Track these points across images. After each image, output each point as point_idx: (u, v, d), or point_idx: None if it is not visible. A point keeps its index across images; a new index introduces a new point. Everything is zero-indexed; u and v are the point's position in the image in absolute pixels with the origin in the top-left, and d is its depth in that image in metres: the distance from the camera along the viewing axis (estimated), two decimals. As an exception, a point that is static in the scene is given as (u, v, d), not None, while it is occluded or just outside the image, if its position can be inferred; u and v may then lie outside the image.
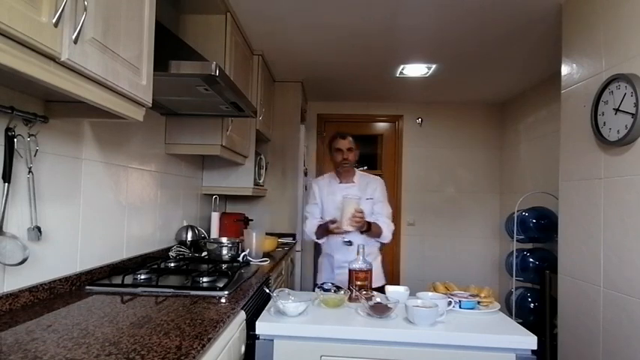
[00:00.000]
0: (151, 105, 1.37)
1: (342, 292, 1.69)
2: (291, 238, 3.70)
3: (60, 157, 1.46)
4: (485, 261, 4.61)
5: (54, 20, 0.87)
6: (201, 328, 1.15)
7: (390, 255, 4.78)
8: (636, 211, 1.73)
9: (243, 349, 1.43)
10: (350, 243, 2.31)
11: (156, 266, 1.89)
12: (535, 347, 1.35)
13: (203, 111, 2.23)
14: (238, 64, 2.66)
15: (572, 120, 2.19)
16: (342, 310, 1.60)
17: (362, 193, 2.37)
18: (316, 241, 2.47)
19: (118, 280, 1.62)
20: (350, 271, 1.78)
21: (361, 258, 1.78)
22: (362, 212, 2.17)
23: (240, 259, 2.28)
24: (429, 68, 3.53)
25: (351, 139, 2.41)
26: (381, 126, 4.89)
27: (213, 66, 1.57)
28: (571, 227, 2.21)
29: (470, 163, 4.73)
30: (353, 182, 2.45)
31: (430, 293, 1.73)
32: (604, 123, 1.92)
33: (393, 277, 4.65)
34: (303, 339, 1.43)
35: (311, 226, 2.43)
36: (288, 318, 1.48)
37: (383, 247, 2.56)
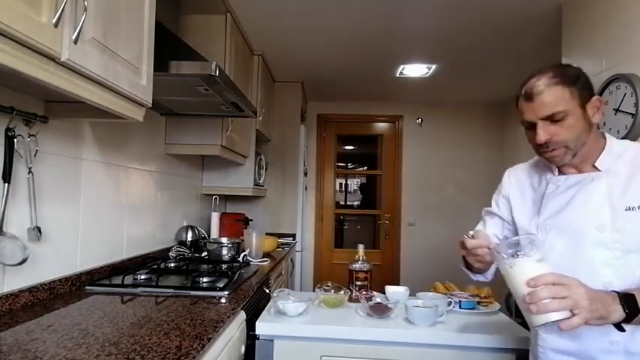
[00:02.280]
0: (150, 105, 1.37)
1: (342, 292, 1.69)
2: (291, 239, 3.70)
3: (60, 157, 1.46)
4: (485, 261, 4.61)
5: (54, 20, 0.87)
6: (201, 328, 1.15)
7: (390, 255, 4.78)
8: (636, 211, 1.72)
9: (243, 349, 1.43)
10: (621, 329, 0.93)
11: (156, 266, 1.89)
12: (535, 347, 1.34)
13: (203, 111, 2.23)
14: (238, 64, 2.66)
15: (572, 120, 2.19)
16: (342, 310, 1.60)
17: (619, 196, 1.03)
18: (474, 277, 1.30)
19: (118, 280, 1.61)
20: (350, 271, 1.78)
21: (361, 258, 1.78)
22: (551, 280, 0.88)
23: (240, 259, 2.28)
24: (429, 68, 3.53)
25: (552, 92, 1.01)
26: (381, 126, 4.89)
27: (213, 66, 1.57)
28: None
29: (470, 163, 4.73)
30: (594, 170, 1.07)
31: (430, 293, 1.73)
32: (604, 123, 1.92)
33: (393, 277, 4.65)
34: (303, 339, 1.43)
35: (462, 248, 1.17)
36: (288, 318, 1.48)
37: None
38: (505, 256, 0.92)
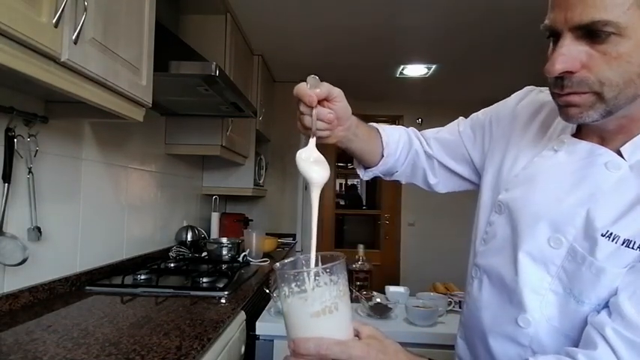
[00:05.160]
0: (150, 105, 1.37)
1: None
2: (291, 239, 3.70)
3: (60, 157, 1.46)
4: (485, 261, 4.61)
5: (54, 20, 0.86)
6: (201, 328, 1.15)
7: (390, 255, 4.78)
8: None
9: (243, 349, 1.43)
10: None
11: (156, 266, 1.89)
12: (535, 347, 1.34)
13: (203, 111, 2.23)
14: (238, 64, 2.66)
15: (572, 120, 2.19)
16: (342, 311, 1.60)
17: (611, 212, 0.61)
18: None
19: (117, 280, 1.61)
20: (350, 271, 1.78)
21: (361, 258, 1.79)
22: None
23: (240, 259, 2.28)
24: (429, 68, 3.53)
25: None
26: (381, 126, 4.89)
27: (213, 66, 1.57)
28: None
29: (470, 163, 4.73)
30: (617, 156, 0.63)
31: (430, 293, 1.73)
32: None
33: (393, 277, 4.65)
34: (303, 339, 1.43)
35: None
36: (288, 318, 1.48)
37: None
38: (284, 285, 0.57)
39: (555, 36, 0.59)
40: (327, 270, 0.57)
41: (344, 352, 0.55)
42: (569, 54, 0.57)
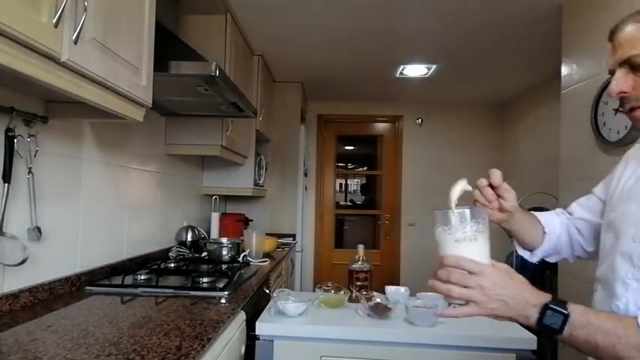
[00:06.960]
0: (150, 105, 1.37)
1: (342, 292, 1.69)
2: (291, 239, 3.70)
3: (60, 157, 1.46)
4: (485, 261, 4.61)
5: (54, 20, 0.87)
6: (201, 328, 1.15)
7: (390, 255, 4.78)
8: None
9: (243, 349, 1.43)
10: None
11: (156, 267, 1.89)
12: (535, 347, 1.35)
13: (203, 111, 2.23)
14: (238, 64, 2.66)
15: (572, 120, 2.19)
16: (342, 311, 1.60)
17: None
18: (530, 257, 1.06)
19: (117, 280, 1.61)
20: (350, 271, 1.78)
21: (361, 258, 1.78)
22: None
23: (240, 259, 2.28)
24: (429, 68, 3.53)
25: (635, 29, 0.86)
26: (381, 126, 4.89)
27: (213, 66, 1.57)
28: (571, 227, 2.19)
29: (470, 163, 4.73)
30: None
31: (430, 293, 1.73)
32: (604, 123, 1.92)
33: (393, 277, 4.65)
34: (303, 339, 1.43)
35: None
36: (288, 318, 1.48)
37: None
38: (438, 223, 0.86)
39: (613, 74, 0.83)
40: (469, 210, 0.78)
41: (477, 268, 0.73)
42: (620, 80, 0.81)
